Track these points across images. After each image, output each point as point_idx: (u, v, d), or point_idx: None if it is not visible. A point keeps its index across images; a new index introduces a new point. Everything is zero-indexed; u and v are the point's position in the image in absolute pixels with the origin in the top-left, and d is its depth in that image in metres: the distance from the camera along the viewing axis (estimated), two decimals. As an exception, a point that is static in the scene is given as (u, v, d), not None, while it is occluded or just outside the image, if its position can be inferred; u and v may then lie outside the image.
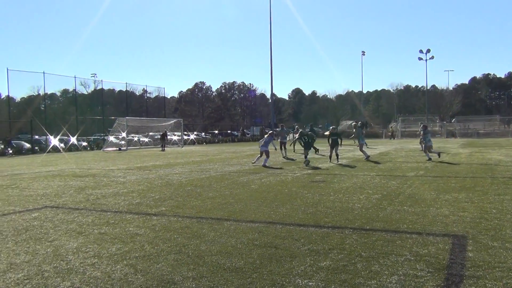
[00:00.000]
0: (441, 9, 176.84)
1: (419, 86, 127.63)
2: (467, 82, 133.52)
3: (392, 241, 5.78)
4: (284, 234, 6.23)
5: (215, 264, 4.93)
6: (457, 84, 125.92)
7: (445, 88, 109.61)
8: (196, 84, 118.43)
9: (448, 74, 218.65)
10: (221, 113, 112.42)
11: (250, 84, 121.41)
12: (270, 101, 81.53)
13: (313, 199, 9.28)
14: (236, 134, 68.30)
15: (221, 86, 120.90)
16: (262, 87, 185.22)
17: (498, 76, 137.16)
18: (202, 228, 6.70)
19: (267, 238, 6.05)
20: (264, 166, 17.18)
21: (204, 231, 6.50)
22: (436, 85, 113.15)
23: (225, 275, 4.54)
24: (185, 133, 52.20)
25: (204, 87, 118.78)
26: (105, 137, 43.26)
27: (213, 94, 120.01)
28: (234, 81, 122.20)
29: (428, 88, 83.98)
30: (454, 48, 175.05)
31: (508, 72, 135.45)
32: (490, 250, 5.25)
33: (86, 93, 75.91)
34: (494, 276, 4.38)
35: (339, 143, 19.94)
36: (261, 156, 18.21)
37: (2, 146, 33.78)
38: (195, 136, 55.21)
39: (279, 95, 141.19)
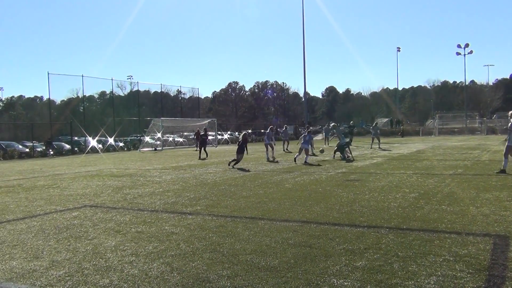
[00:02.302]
0: (479, 2, 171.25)
1: (457, 82, 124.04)
2: (508, 77, 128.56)
3: (430, 241, 5.64)
4: (318, 233, 6.19)
5: (249, 263, 4.95)
6: (497, 79, 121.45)
7: (485, 83, 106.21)
8: (229, 84, 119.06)
9: (488, 69, 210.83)
10: (254, 112, 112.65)
11: (283, 83, 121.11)
12: (303, 99, 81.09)
13: (347, 198, 9.18)
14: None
15: (254, 85, 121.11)
16: (296, 86, 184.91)
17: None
18: (237, 227, 6.74)
19: (302, 237, 6.02)
20: (306, 163, 17.71)
21: (239, 230, 6.53)
22: (476, 81, 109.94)
23: (259, 274, 4.55)
24: (219, 132, 52.57)
25: (238, 87, 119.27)
26: (141, 138, 44.16)
27: (247, 93, 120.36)
28: (267, 80, 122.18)
29: (467, 83, 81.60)
30: (494, 41, 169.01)
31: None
32: (534, 251, 5.05)
33: (123, 94, 77.83)
34: (539, 278, 4.21)
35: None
36: (299, 154, 18.61)
37: (44, 147, 35.04)
38: (228, 136, 55.52)
39: (312, 94, 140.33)
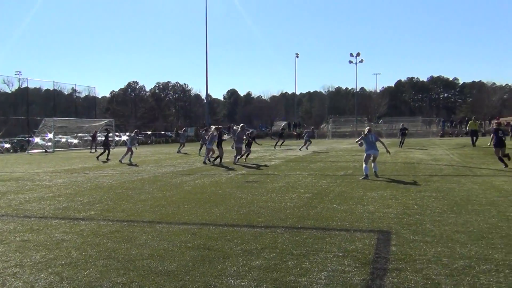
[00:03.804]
0: (371, 15, 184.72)
1: (349, 88, 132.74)
2: (393, 85, 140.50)
3: (322, 238, 5.97)
4: (217, 235, 6.23)
5: (146, 268, 4.83)
6: (383, 86, 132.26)
7: (373, 90, 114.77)
8: (129, 84, 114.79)
9: (376, 77, 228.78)
10: (154, 113, 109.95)
11: (185, 84, 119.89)
12: (205, 101, 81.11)
13: (246, 199, 9.36)
14: (170, 135, 67.19)
15: (155, 86, 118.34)
16: (197, 88, 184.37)
17: (421, 79, 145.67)
18: (133, 232, 6.54)
19: (200, 239, 6.02)
20: (206, 162, 18.57)
21: (135, 235, 6.34)
22: (365, 88, 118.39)
23: (156, 279, 4.46)
24: (117, 134, 50.56)
25: (137, 87, 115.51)
26: (30, 139, 40.90)
27: (147, 94, 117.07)
28: (168, 81, 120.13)
29: (358, 90, 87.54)
30: (382, 52, 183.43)
31: (430, 76, 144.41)
32: (411, 244, 5.57)
33: (10, 91, 71.52)
34: (415, 268, 4.65)
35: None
36: (238, 154, 19.01)
37: None
38: (127, 137, 53.59)
39: (214, 96, 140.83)
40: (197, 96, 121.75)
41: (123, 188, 11.49)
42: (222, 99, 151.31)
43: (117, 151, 28.40)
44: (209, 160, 18.88)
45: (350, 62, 71.92)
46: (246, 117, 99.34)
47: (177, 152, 28.06)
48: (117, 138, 48.32)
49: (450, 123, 68.64)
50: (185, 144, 31.74)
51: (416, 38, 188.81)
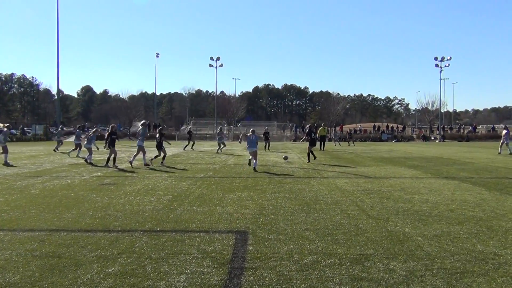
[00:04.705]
0: (230, 21, 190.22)
1: (210, 91, 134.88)
2: (250, 91, 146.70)
3: (182, 240, 5.95)
4: (69, 242, 5.81)
5: (-18, 282, 4.30)
6: (242, 91, 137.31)
7: (232, 94, 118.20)
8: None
9: (235, 82, 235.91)
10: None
11: (32, 77, 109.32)
12: (56, 97, 74.90)
13: (102, 202, 8.90)
14: (15, 132, 60.67)
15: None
16: (48, 82, 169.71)
17: (276, 87, 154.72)
18: (-33, 242, 5.76)
19: (49, 247, 5.55)
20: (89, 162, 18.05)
21: (-31, 245, 5.59)
22: (225, 91, 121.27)
23: (-5, 294, 4.00)
24: None
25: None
26: None
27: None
28: (12, 73, 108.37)
29: (218, 93, 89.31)
30: (241, 58, 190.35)
31: (284, 84, 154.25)
32: (266, 243, 5.88)
33: None
34: (270, 266, 4.92)
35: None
36: (138, 153, 17.68)
37: None
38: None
39: (66, 92, 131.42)
40: (47, 91, 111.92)
41: (-47, 192, 10.04)
42: (76, 96, 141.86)
43: None
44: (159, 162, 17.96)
45: (210, 65, 73.08)
46: (103, 116, 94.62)
47: (54, 150, 27.00)
48: None
49: (301, 128, 74.01)
50: (62, 142, 29.28)
51: (273, 47, 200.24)
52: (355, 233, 6.44)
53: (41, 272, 4.64)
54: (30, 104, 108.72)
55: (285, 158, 19.22)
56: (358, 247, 5.70)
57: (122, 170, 15.80)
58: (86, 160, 18.75)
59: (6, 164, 17.62)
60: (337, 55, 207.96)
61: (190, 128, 54.14)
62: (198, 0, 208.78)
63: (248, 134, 16.84)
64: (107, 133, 17.62)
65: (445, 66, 67.63)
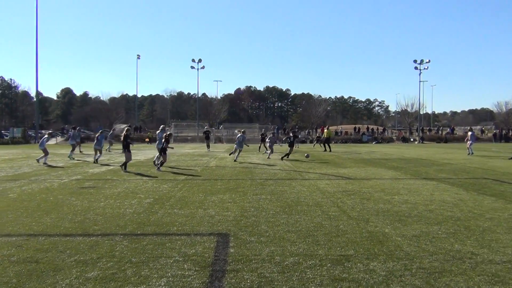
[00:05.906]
0: (211, 23, 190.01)
1: (191, 93, 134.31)
2: (232, 93, 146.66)
3: (163, 244, 5.92)
4: (47, 247, 5.72)
5: (-43, 289, 4.20)
6: (224, 94, 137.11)
7: (214, 97, 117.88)
8: None
9: (217, 84, 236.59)
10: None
11: (11, 79, 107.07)
12: (34, 99, 73.60)
13: (82, 206, 8.79)
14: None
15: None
16: (26, 84, 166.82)
17: (258, 89, 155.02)
18: None
19: (27, 252, 5.46)
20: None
21: None
22: (207, 94, 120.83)
23: (-29, 301, 3.91)
24: None
25: None
26: None
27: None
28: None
29: (199, 96, 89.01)
30: (222, 60, 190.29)
31: (266, 86, 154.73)
32: (248, 245, 5.88)
33: None
34: (251, 268, 4.92)
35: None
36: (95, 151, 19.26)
37: None
38: None
39: (46, 94, 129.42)
40: (25, 93, 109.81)
41: None
42: (55, 98, 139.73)
43: None
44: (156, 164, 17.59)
45: (192, 67, 72.76)
46: (83, 119, 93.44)
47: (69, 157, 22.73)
48: None
49: (283, 130, 74.17)
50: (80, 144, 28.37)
51: (255, 49, 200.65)
52: (335, 234, 6.50)
53: (19, 277, 4.55)
54: (8, 106, 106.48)
55: (307, 156, 22.94)
56: (338, 248, 5.75)
57: (96, 173, 15.62)
58: (95, 161, 20.09)
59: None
60: (318, 57, 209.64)
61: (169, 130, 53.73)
62: (180, 2, 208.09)
63: (239, 134, 21.65)
64: (122, 137, 17.10)
65: (424, 69, 68.69)
